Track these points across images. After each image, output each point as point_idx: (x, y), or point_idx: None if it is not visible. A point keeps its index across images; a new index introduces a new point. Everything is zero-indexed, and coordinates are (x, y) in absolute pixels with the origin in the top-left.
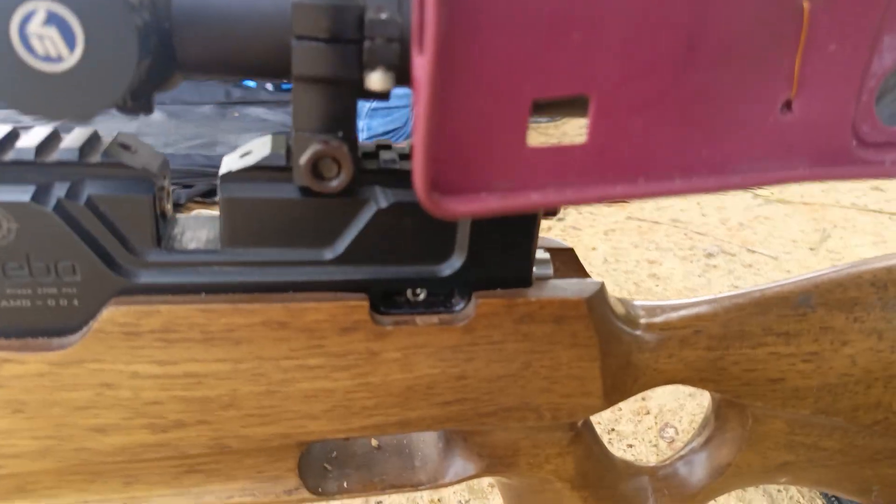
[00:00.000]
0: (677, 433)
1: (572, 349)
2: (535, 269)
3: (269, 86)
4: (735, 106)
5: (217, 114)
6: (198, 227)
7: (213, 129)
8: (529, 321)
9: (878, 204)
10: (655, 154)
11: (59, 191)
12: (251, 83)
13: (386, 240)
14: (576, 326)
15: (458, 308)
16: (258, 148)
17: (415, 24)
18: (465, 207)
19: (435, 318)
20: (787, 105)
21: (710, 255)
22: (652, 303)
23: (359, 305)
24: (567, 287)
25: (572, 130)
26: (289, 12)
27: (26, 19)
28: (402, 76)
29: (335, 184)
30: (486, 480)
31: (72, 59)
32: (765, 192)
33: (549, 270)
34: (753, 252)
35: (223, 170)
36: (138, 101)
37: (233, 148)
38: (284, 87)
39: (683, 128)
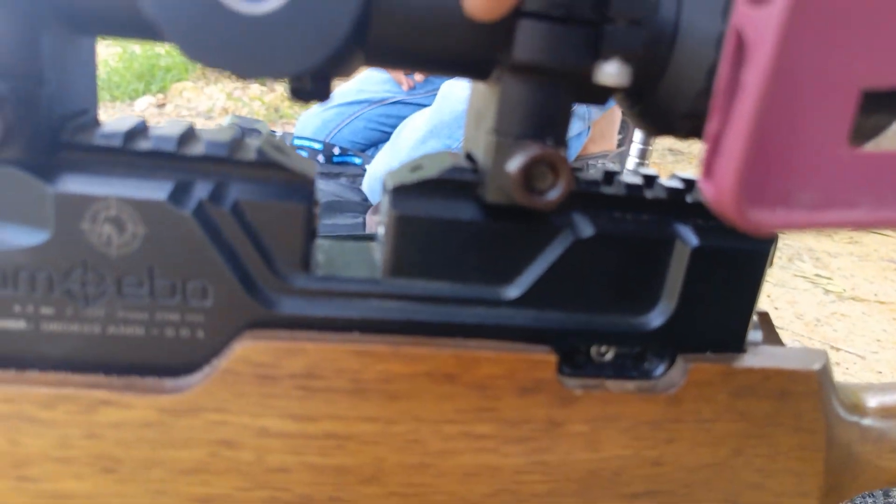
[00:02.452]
0: None
1: (795, 435)
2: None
3: (321, 157)
4: None
5: None
6: (344, 251)
7: None
8: (749, 395)
9: None
10: None
11: (201, 191)
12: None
13: (580, 280)
14: (802, 406)
15: (656, 373)
16: (431, 162)
17: None
18: (776, 219)
19: (631, 385)
20: None
21: None
22: (870, 384)
23: (544, 360)
24: (791, 356)
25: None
26: None
27: None
28: (642, 73)
29: (552, 196)
30: None
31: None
32: (836, 288)
33: (759, 335)
34: (838, 350)
35: (393, 183)
36: (318, 84)
37: None
38: (336, 159)
39: None
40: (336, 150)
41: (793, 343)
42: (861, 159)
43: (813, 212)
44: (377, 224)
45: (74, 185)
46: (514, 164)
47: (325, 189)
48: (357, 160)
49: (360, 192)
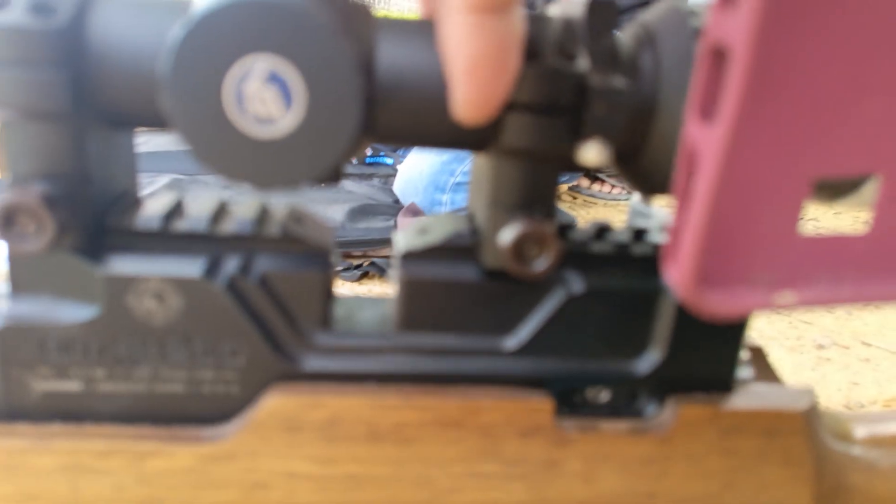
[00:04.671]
0: None
1: (784, 468)
2: None
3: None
4: None
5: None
6: (360, 307)
7: (302, 199)
8: (737, 433)
9: None
10: None
11: (231, 266)
12: None
13: (574, 330)
14: (789, 442)
15: (647, 413)
16: (436, 226)
17: (698, 90)
18: (732, 304)
19: (624, 425)
20: None
21: (821, 347)
22: (860, 413)
23: (541, 407)
24: (777, 395)
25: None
26: None
27: (245, 77)
28: (623, 148)
29: (540, 267)
30: None
31: (287, 121)
32: None
33: (750, 372)
34: (869, 345)
35: (402, 248)
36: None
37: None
38: (368, 160)
39: None
40: (368, 151)
41: (822, 339)
42: (812, 242)
43: (771, 293)
44: (391, 281)
45: (119, 266)
46: (506, 237)
47: (357, 191)
48: (389, 161)
49: (392, 193)
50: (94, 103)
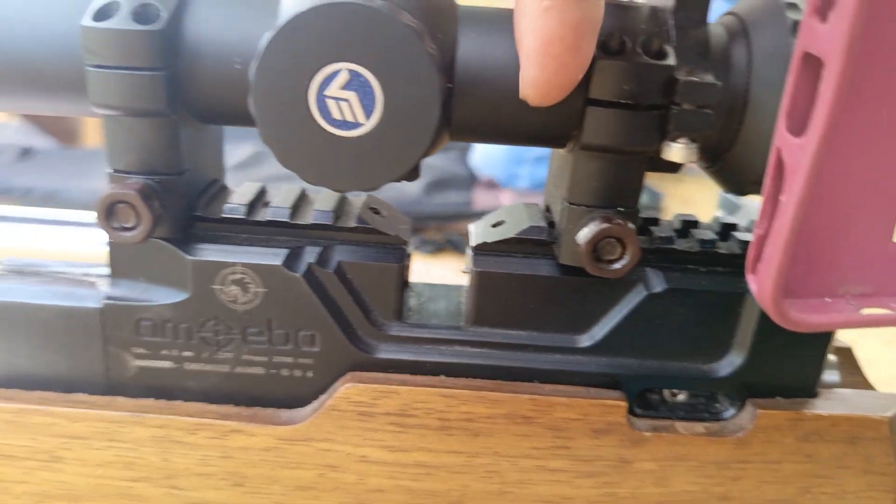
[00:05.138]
0: None
1: (864, 476)
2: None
3: None
4: None
5: None
6: (434, 296)
7: None
8: (816, 440)
9: None
10: None
11: (310, 256)
12: None
13: (652, 330)
14: (872, 450)
15: (726, 415)
16: (511, 217)
17: (788, 100)
18: (817, 319)
19: (700, 427)
20: None
21: None
22: None
23: (615, 405)
24: (863, 401)
25: None
26: None
27: (326, 84)
28: (712, 145)
29: (617, 267)
30: None
31: (368, 124)
32: None
33: (836, 377)
34: None
35: (475, 240)
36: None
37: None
38: None
39: None
40: None
41: None
42: None
43: (860, 307)
44: (463, 272)
45: (207, 253)
46: (583, 236)
47: (434, 164)
48: None
49: (468, 166)
50: (187, 101)
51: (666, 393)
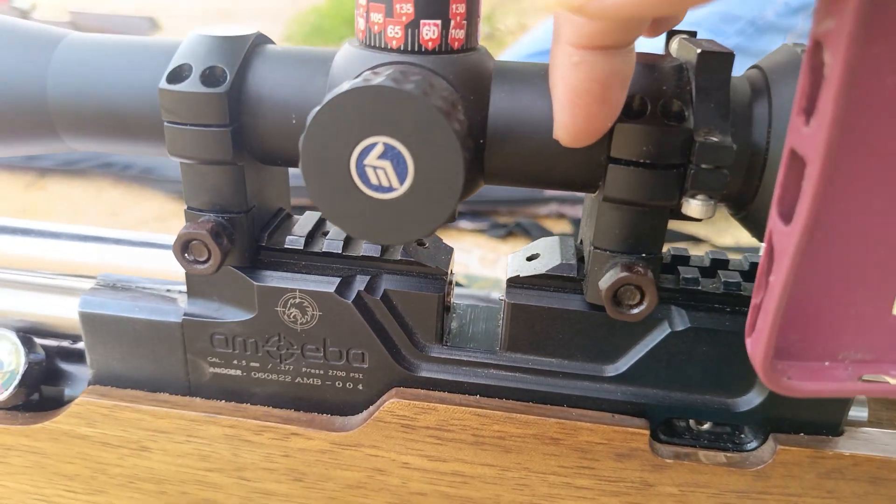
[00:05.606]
0: None
1: None
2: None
3: None
4: None
5: None
6: (476, 318)
7: None
8: (838, 477)
9: None
10: None
11: (360, 284)
12: None
13: (676, 364)
14: None
15: (749, 447)
16: (546, 252)
17: (778, 192)
18: (812, 385)
19: (722, 457)
20: None
21: None
22: None
23: (638, 433)
24: (888, 442)
25: None
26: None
27: (364, 154)
28: (734, 197)
29: (635, 312)
30: None
31: (402, 189)
32: None
33: (864, 413)
34: None
35: (510, 272)
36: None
37: None
38: None
39: None
40: None
41: None
42: None
43: (859, 373)
44: (500, 299)
45: (270, 279)
46: (604, 282)
47: None
48: None
49: None
50: (250, 149)
51: (692, 421)
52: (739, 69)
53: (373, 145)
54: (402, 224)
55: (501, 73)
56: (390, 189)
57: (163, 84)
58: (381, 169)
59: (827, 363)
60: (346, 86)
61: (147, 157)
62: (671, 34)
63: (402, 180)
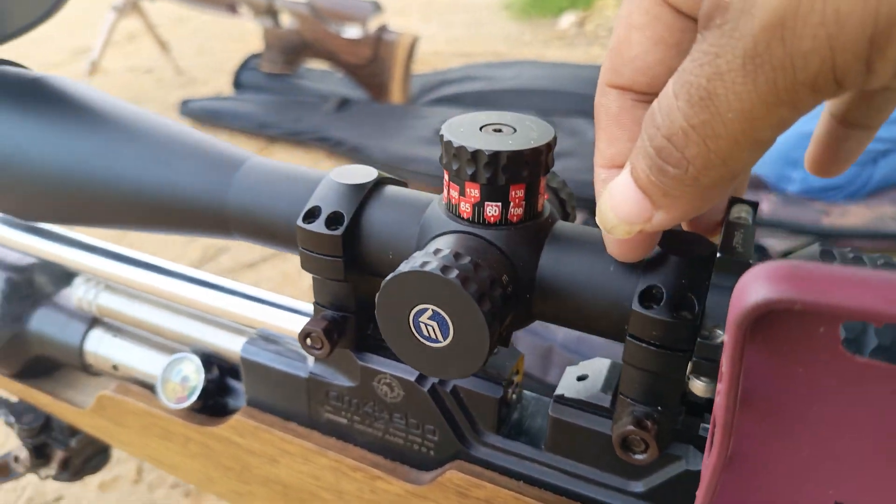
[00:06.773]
0: None
1: None
2: None
3: None
4: None
5: None
6: (535, 413)
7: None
8: None
9: None
10: None
11: (434, 377)
12: None
13: (693, 493)
14: None
15: None
16: (595, 374)
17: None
18: None
19: None
20: None
21: None
22: None
23: None
24: None
25: None
26: (630, 299)
27: (419, 314)
28: None
29: (640, 458)
30: None
31: (445, 342)
32: None
33: None
34: None
35: (559, 389)
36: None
37: None
38: None
39: None
40: None
41: None
42: None
43: None
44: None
45: (370, 361)
46: (616, 429)
47: None
48: None
49: None
50: (359, 270)
51: None
52: None
53: (424, 309)
54: (447, 367)
55: (558, 235)
56: (437, 341)
57: (300, 222)
58: (430, 325)
59: None
60: (405, 267)
61: (356, 138)
62: (733, 202)
63: (445, 336)
